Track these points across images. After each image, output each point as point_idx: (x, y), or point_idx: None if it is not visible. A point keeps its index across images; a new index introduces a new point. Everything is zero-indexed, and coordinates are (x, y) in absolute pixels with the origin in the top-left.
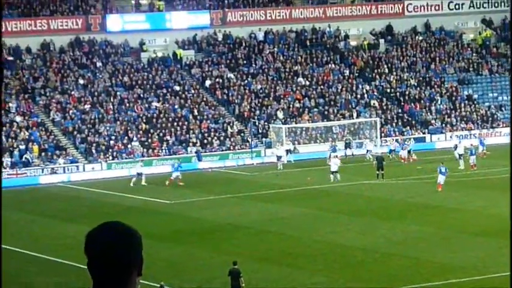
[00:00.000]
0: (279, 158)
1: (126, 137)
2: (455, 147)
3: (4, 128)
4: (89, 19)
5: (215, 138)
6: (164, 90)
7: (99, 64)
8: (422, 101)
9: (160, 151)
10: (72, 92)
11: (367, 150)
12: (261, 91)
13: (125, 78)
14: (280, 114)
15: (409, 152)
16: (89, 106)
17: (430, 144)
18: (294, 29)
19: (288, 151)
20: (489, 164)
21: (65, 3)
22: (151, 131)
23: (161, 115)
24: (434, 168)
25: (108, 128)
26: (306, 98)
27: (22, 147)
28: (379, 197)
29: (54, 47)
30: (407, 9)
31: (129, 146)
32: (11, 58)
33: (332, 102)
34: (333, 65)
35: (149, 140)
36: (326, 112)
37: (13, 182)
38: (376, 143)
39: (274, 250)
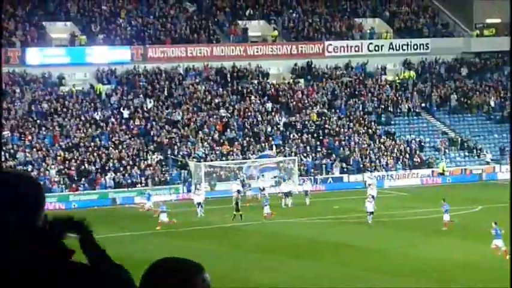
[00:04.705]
0: (199, 204)
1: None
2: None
3: None
4: (8, 52)
5: (132, 170)
6: (83, 119)
7: (17, 91)
8: (341, 136)
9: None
10: None
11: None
12: (181, 122)
13: (44, 105)
14: (200, 147)
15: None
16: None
17: (350, 184)
18: (214, 66)
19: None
20: (406, 206)
21: None
22: (72, 161)
23: (81, 143)
24: (351, 208)
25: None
26: (228, 130)
27: None
28: (293, 235)
29: None
30: (327, 50)
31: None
32: None
33: (251, 134)
34: (254, 98)
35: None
36: (246, 145)
37: None
38: (294, 180)
39: None
